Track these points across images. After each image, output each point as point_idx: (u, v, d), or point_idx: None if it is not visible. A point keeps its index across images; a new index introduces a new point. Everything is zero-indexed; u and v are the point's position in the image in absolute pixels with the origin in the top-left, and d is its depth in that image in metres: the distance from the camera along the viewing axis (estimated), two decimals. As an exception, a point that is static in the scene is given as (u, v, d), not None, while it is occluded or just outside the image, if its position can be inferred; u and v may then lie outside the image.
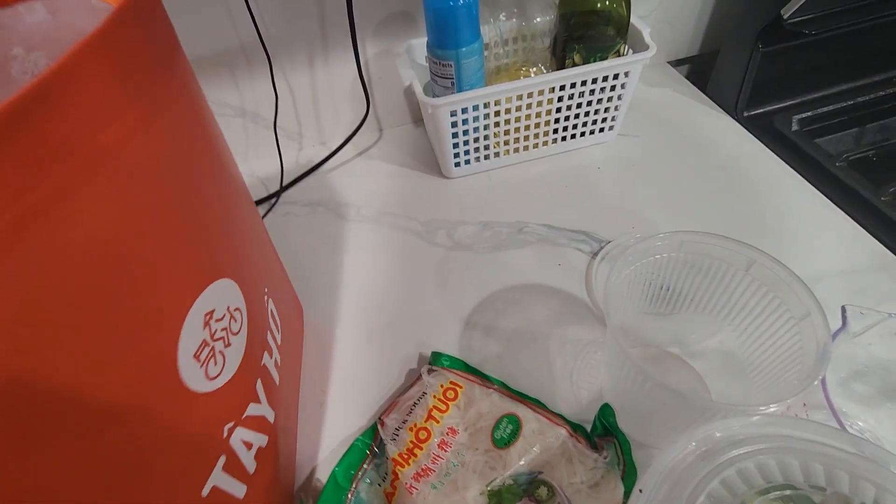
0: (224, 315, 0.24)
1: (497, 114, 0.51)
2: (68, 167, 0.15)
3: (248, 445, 0.26)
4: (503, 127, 0.52)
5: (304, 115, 0.60)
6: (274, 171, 0.59)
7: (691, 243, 0.34)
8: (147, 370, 0.19)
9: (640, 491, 0.25)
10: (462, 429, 0.34)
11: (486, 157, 0.55)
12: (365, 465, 0.34)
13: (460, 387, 0.36)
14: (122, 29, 0.18)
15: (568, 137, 0.56)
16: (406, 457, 0.33)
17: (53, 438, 0.15)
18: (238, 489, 0.25)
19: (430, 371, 0.38)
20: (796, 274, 0.31)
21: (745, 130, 0.58)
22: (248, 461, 0.26)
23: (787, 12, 0.49)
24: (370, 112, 0.60)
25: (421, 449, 0.33)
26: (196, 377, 0.21)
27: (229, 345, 0.24)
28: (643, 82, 0.66)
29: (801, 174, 0.52)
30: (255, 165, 0.61)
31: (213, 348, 0.23)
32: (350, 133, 0.60)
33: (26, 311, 0.14)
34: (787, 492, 0.24)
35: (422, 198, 0.55)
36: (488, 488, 0.30)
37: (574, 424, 0.34)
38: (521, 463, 0.31)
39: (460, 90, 0.48)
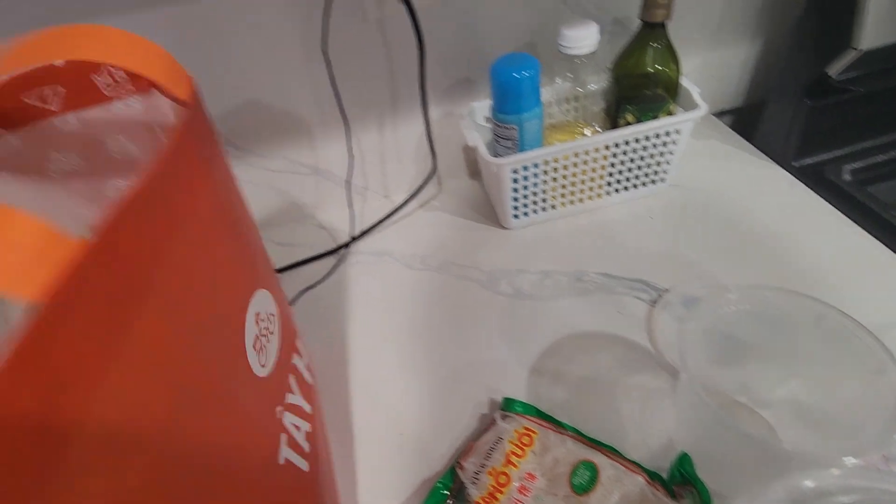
0: (266, 317, 0.30)
1: (555, 170, 0.54)
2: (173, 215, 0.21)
3: (297, 427, 0.32)
4: (560, 181, 0.56)
5: (370, 171, 0.65)
6: (340, 224, 0.64)
7: (761, 297, 0.36)
8: (231, 356, 0.25)
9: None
10: (539, 474, 0.36)
11: (543, 210, 0.58)
12: (447, 508, 0.36)
13: (535, 432, 0.38)
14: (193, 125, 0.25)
15: (621, 190, 0.59)
16: (488, 500, 0.34)
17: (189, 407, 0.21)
18: (302, 463, 0.30)
19: (503, 416, 0.40)
20: (867, 328, 0.33)
21: (796, 180, 0.59)
22: (302, 441, 0.31)
23: (834, 71, 0.51)
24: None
25: (502, 493, 0.35)
26: (256, 363, 0.27)
27: (269, 341, 0.30)
28: (691, 135, 0.69)
29: (857, 223, 0.53)
30: (323, 218, 0.66)
31: (262, 342, 0.28)
32: (416, 188, 0.64)
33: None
34: (879, 545, 0.25)
35: (483, 248, 0.59)
36: (572, 533, 0.32)
37: (651, 472, 0.35)
38: (603, 509, 0.32)
39: (522, 150, 0.52)
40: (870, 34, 0.48)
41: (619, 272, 0.53)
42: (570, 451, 0.36)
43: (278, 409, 0.29)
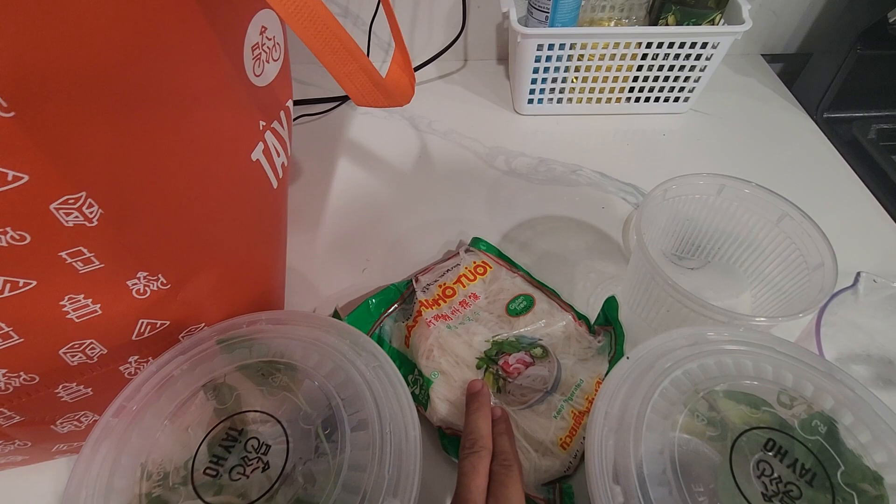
0: (272, 35, 0.31)
1: (580, 58, 0.53)
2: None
3: (277, 152, 0.34)
4: (583, 73, 0.55)
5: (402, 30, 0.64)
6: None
7: (731, 188, 0.37)
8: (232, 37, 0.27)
9: (627, 358, 0.29)
10: (483, 296, 0.39)
11: (559, 101, 0.58)
12: (395, 305, 0.39)
13: (490, 267, 0.41)
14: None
15: (642, 100, 0.58)
16: (431, 303, 0.38)
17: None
18: (272, 177, 0.33)
19: (466, 250, 0.42)
20: (822, 229, 0.34)
21: (819, 131, 0.58)
22: (277, 162, 0.33)
23: (893, 16, 0.49)
24: (460, 40, 0.64)
25: (445, 301, 0.38)
26: (250, 69, 0.29)
27: (268, 61, 0.31)
28: (731, 69, 0.67)
29: (865, 182, 0.52)
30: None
31: (260, 53, 0.30)
32: (437, 52, 0.64)
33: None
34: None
35: (490, 126, 0.59)
36: (493, 338, 0.35)
37: (580, 314, 0.38)
38: (527, 329, 0.35)
39: (552, 25, 0.51)
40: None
41: (614, 174, 0.54)
42: (515, 285, 0.39)
43: (262, 122, 0.31)
